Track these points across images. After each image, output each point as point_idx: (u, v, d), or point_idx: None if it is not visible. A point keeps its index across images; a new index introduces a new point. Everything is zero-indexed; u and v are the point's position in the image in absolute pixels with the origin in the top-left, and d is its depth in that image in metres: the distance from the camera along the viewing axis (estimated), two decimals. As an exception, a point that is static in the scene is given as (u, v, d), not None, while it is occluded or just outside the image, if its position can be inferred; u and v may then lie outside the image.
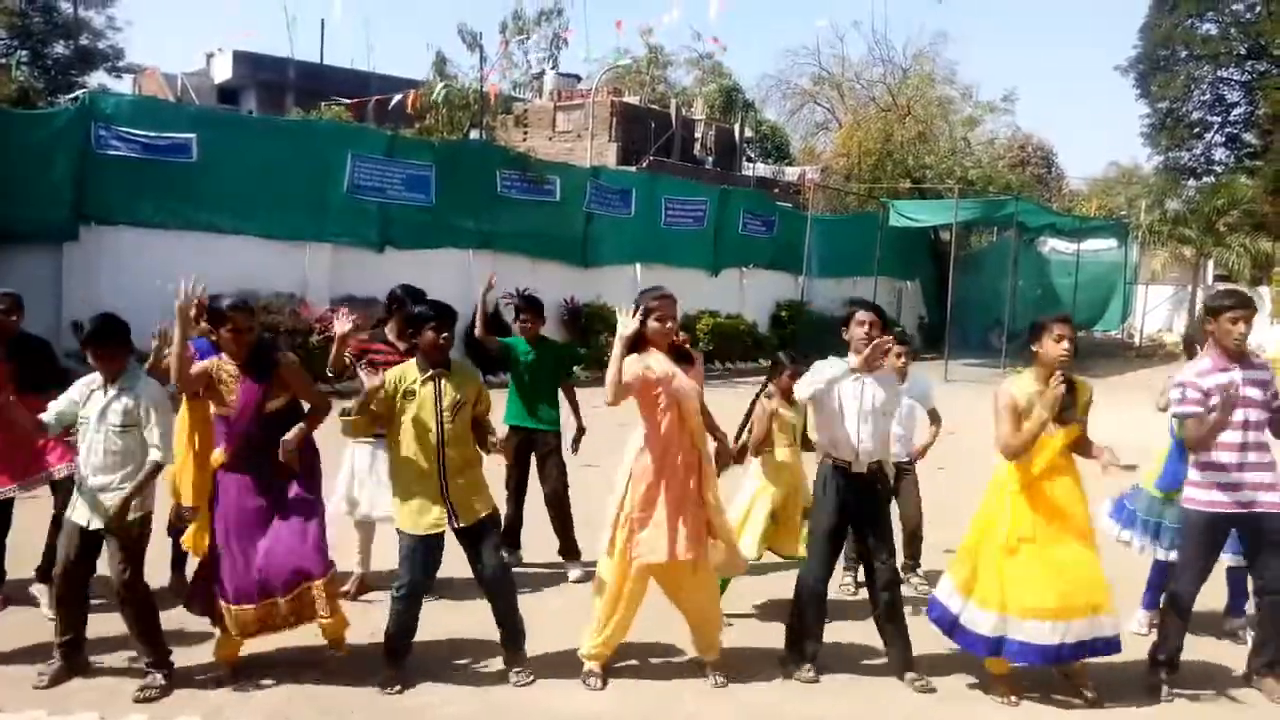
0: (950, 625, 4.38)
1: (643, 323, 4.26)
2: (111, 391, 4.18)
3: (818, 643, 4.57)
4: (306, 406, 4.44)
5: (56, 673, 4.19)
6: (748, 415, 5.23)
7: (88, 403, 4.21)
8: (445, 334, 4.27)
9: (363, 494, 5.30)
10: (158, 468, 4.18)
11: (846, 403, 4.45)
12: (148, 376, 4.32)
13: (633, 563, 4.26)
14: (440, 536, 4.31)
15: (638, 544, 4.23)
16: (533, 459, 5.96)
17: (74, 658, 4.25)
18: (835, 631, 4.73)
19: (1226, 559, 4.86)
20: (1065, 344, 4.23)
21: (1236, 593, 5.20)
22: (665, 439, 4.24)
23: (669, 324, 4.28)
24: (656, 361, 4.25)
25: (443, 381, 4.26)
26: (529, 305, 5.96)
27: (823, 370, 4.42)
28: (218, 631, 4.33)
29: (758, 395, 5.27)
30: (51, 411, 4.26)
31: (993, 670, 4.41)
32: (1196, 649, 4.66)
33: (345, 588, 5.27)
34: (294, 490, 4.32)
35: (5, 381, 4.75)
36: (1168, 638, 4.49)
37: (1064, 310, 4.73)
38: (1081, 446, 4.34)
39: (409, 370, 4.31)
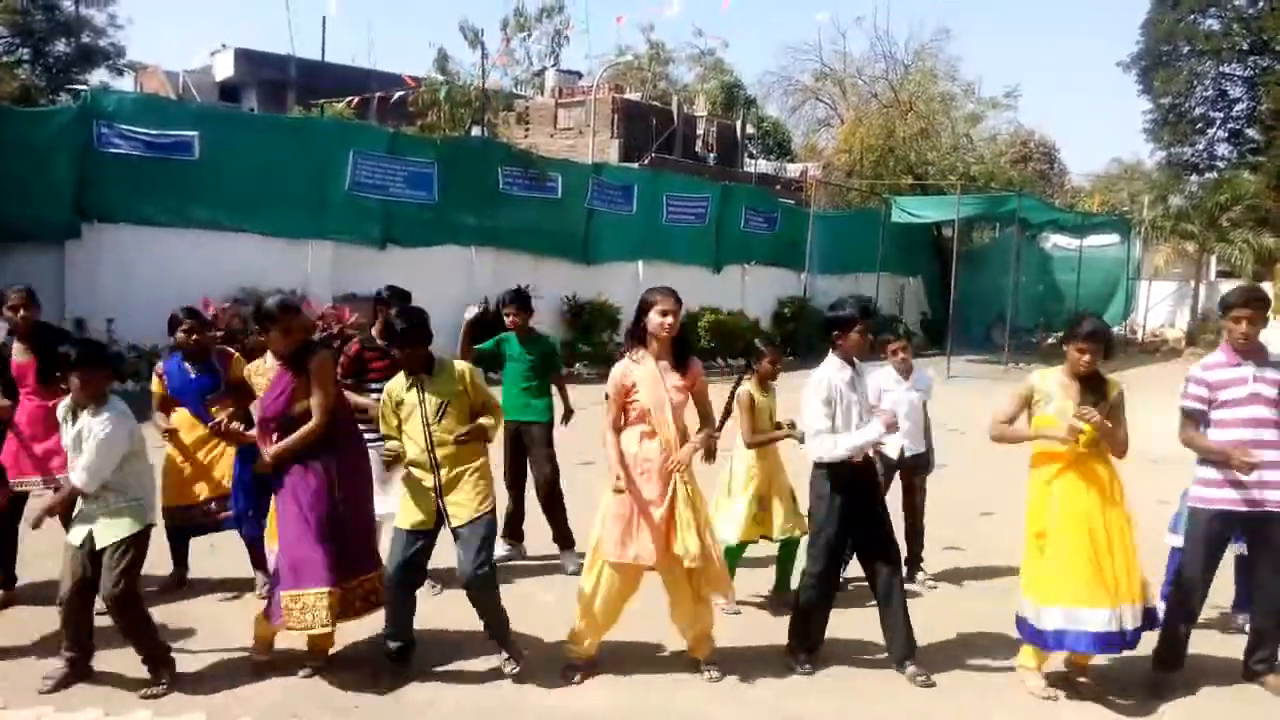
0: (1027, 630, 4.36)
1: (643, 315, 4.34)
2: (83, 416, 4.09)
3: (819, 637, 4.62)
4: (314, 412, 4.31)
5: (62, 679, 4.14)
6: (728, 404, 5.26)
7: (65, 427, 4.16)
8: (410, 348, 4.30)
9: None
10: (74, 492, 4.07)
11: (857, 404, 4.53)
12: (118, 407, 4.16)
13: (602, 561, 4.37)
14: (424, 534, 4.35)
15: (600, 540, 4.37)
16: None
17: (80, 668, 4.20)
18: (832, 627, 4.72)
19: (1237, 547, 4.78)
20: (1086, 357, 4.22)
21: (1245, 585, 5.13)
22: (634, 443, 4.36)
23: (667, 318, 4.28)
24: (643, 368, 4.32)
25: (424, 388, 4.32)
26: (514, 299, 6.00)
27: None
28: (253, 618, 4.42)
29: (737, 383, 5.33)
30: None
31: (1026, 662, 4.42)
32: (1200, 644, 4.63)
33: None
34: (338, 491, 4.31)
35: (28, 375, 4.94)
36: (1172, 637, 4.44)
37: (1083, 312, 4.70)
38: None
39: (398, 381, 4.41)
